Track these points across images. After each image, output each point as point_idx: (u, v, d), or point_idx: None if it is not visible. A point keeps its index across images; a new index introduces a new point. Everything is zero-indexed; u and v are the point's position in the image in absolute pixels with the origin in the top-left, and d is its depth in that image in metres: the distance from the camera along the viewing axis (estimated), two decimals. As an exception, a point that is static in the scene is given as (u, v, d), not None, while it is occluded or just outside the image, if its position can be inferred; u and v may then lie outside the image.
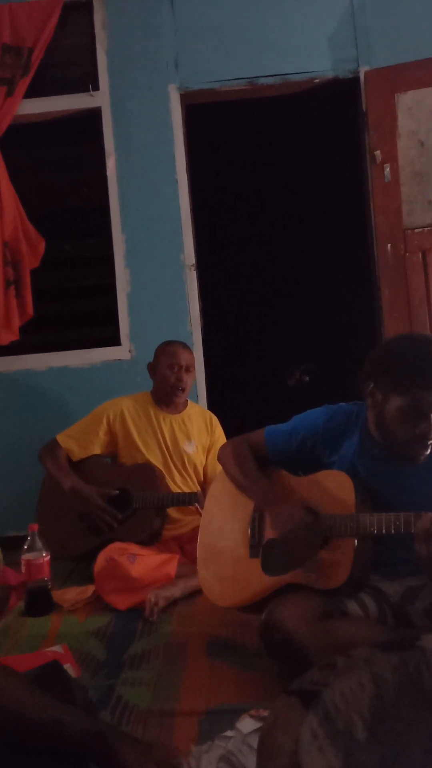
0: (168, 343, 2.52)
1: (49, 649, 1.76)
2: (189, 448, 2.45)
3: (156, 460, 2.40)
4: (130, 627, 1.92)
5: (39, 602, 2.06)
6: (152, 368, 2.50)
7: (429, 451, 1.49)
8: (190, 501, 2.26)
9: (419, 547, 1.41)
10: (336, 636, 1.41)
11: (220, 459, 1.82)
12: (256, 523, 1.67)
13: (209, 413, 2.63)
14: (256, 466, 1.72)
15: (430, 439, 1.46)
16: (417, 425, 1.45)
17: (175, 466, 2.43)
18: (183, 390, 2.44)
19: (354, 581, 1.51)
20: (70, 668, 1.59)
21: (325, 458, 1.66)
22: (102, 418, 2.44)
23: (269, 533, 1.62)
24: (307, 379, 4.66)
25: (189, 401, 2.57)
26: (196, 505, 2.22)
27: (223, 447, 1.84)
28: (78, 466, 2.43)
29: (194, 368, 2.51)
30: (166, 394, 2.45)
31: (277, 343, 4.67)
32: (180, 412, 2.50)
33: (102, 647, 1.79)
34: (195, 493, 2.26)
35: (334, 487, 1.58)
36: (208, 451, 2.52)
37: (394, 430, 1.49)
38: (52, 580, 2.12)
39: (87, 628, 1.93)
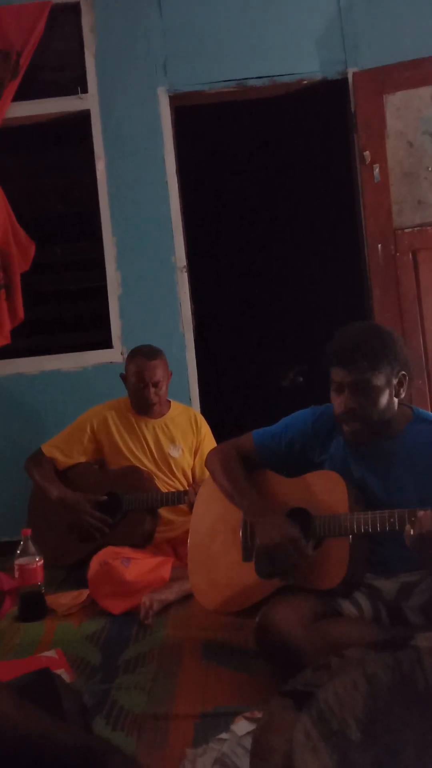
0: (134, 355, 2.42)
1: (43, 654, 1.75)
2: (174, 452, 2.42)
3: (142, 467, 2.37)
4: (125, 631, 1.91)
5: (33, 607, 2.05)
6: (124, 378, 2.46)
7: (359, 426, 1.53)
8: (179, 500, 2.24)
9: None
10: (331, 637, 1.41)
11: (207, 466, 1.81)
12: (249, 527, 1.66)
13: (194, 412, 2.59)
14: (245, 474, 1.71)
15: (348, 414, 1.52)
16: (338, 401, 1.55)
17: (162, 471, 2.41)
18: (155, 404, 2.39)
19: (350, 580, 1.51)
20: (64, 673, 1.59)
21: (314, 458, 1.67)
22: (86, 426, 2.43)
23: None
24: (301, 380, 4.66)
25: (172, 402, 2.53)
26: (187, 498, 2.19)
27: (210, 453, 1.82)
28: (65, 474, 2.42)
29: (166, 377, 2.41)
30: (139, 407, 2.42)
31: (270, 344, 4.67)
32: (162, 415, 2.46)
33: (97, 652, 1.78)
34: (184, 491, 2.25)
35: (327, 487, 1.58)
36: (196, 451, 2.48)
37: (334, 407, 1.58)
38: (45, 584, 2.11)
39: (81, 632, 1.92)
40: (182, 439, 2.46)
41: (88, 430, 2.42)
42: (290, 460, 1.69)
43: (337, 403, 1.55)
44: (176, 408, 2.53)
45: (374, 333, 1.56)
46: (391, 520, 1.46)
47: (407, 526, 1.40)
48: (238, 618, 1.71)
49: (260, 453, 1.72)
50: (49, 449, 2.43)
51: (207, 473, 2.39)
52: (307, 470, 1.65)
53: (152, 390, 2.36)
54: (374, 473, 1.58)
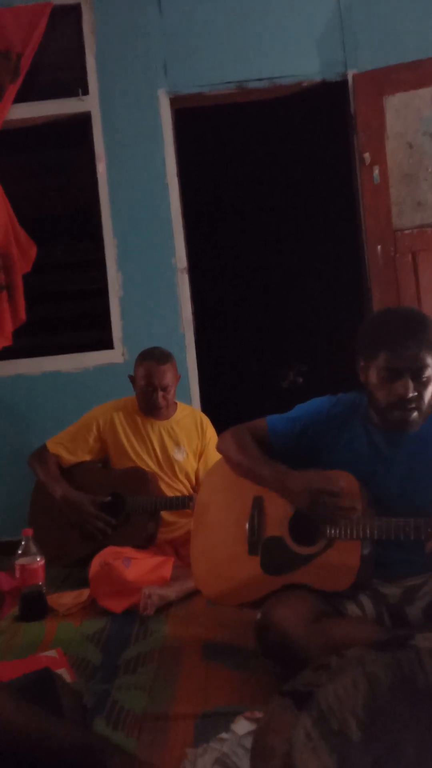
0: (143, 358, 2.41)
1: (44, 654, 1.76)
2: (179, 456, 2.42)
3: (147, 468, 2.37)
4: (126, 631, 1.91)
5: (34, 607, 2.05)
6: (133, 380, 2.45)
7: (417, 414, 1.48)
8: (184, 505, 2.25)
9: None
10: (332, 636, 1.40)
11: (219, 448, 1.76)
12: (256, 520, 1.62)
13: (200, 415, 2.58)
14: (260, 450, 1.66)
15: (407, 401, 1.46)
16: (394, 387, 1.47)
17: (165, 474, 2.40)
18: (162, 407, 2.39)
19: (359, 584, 1.50)
20: (64, 673, 1.59)
21: (326, 447, 1.62)
22: (92, 425, 2.42)
23: (270, 530, 1.60)
24: (301, 380, 4.67)
25: (179, 403, 2.53)
26: (191, 503, 2.20)
27: (222, 436, 1.77)
28: (69, 471, 2.42)
29: (174, 381, 2.42)
30: (146, 409, 2.41)
31: (270, 344, 4.68)
32: (169, 417, 2.45)
33: (97, 651, 1.79)
34: (189, 497, 2.25)
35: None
36: (200, 455, 2.47)
37: (378, 397, 1.51)
38: (47, 584, 2.12)
39: (82, 632, 1.93)
40: (187, 442, 2.45)
41: (95, 429, 2.42)
42: (301, 448, 1.65)
43: (389, 390, 1.47)
44: (183, 410, 2.53)
45: (423, 317, 1.52)
46: (407, 529, 1.42)
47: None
48: (240, 608, 1.70)
49: (273, 438, 1.68)
50: (54, 446, 2.42)
51: (213, 462, 2.39)
52: (313, 462, 1.60)
53: (160, 394, 2.36)
54: (389, 466, 1.55)
